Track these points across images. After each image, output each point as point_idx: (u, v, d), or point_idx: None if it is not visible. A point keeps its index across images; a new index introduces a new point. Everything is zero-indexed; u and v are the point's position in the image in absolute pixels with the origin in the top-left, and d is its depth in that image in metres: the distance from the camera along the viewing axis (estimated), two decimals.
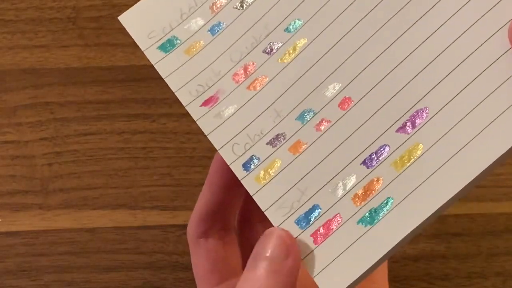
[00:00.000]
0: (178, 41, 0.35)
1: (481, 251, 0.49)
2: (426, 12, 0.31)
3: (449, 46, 0.30)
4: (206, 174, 0.51)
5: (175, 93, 0.35)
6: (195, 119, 0.34)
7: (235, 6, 0.35)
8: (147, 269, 0.49)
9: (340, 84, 0.32)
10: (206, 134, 0.34)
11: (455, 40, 0.30)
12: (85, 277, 0.49)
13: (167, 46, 0.36)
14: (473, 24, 0.30)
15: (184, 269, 0.49)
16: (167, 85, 0.52)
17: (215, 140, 0.33)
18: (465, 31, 0.30)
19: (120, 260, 0.49)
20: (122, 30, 0.53)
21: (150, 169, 0.50)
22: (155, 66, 0.35)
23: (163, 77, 0.35)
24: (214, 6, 0.35)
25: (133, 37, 0.36)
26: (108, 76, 0.52)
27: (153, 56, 0.36)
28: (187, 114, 0.51)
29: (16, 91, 0.52)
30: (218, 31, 0.35)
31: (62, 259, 0.49)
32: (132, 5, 0.53)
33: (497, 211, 0.50)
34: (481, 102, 0.29)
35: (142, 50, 0.36)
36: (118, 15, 0.54)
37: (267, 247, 0.31)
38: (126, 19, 0.37)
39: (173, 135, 0.51)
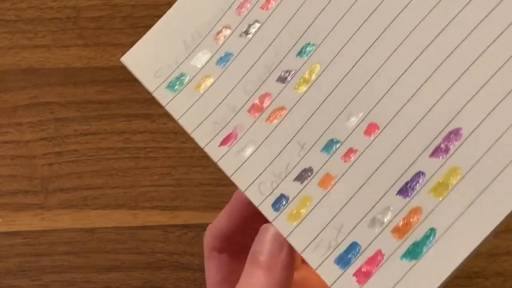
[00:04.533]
0: (187, 78, 0.33)
1: (481, 251, 0.49)
2: (449, 23, 0.29)
3: (478, 56, 0.28)
4: (206, 174, 0.51)
5: (191, 135, 0.33)
6: (215, 161, 0.32)
7: (241, 34, 0.33)
8: (147, 269, 0.49)
9: (363, 110, 0.30)
10: (229, 176, 0.31)
11: (485, 50, 0.28)
12: (85, 277, 0.49)
13: (176, 84, 0.34)
14: (502, 33, 0.28)
15: (184, 269, 0.49)
16: None
17: (239, 181, 0.31)
18: (495, 40, 0.28)
19: (120, 260, 0.49)
20: (122, 30, 0.53)
21: (150, 169, 0.50)
22: (166, 108, 0.33)
23: (175, 119, 0.33)
24: (218, 36, 0.33)
25: (138, 79, 0.34)
26: (108, 76, 0.52)
27: (163, 97, 0.33)
28: None
29: (16, 91, 0.52)
30: (226, 62, 0.33)
31: (62, 259, 0.49)
32: (132, 4, 0.53)
33: None
34: None
35: (151, 92, 0.34)
36: (118, 15, 0.54)
37: (263, 244, 0.30)
38: (129, 59, 0.35)
39: (173, 135, 0.51)
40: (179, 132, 0.51)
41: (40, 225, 0.49)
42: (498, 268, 0.49)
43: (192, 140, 0.51)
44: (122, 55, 0.53)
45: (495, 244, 0.49)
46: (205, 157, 0.51)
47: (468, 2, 0.29)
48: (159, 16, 0.53)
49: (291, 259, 0.30)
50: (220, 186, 0.50)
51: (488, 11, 0.28)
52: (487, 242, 0.27)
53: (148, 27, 0.53)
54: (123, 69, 0.52)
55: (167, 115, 0.52)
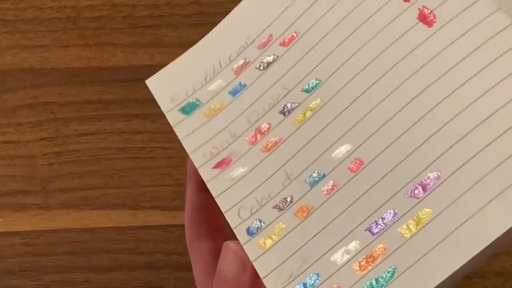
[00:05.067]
0: (200, 103, 0.35)
1: None
2: (442, 76, 0.30)
3: (464, 109, 0.29)
4: None
5: (189, 155, 0.34)
6: (205, 181, 0.33)
7: (257, 67, 0.34)
8: (147, 269, 0.49)
9: (352, 145, 0.31)
10: (214, 197, 0.33)
11: (472, 103, 0.29)
12: (85, 277, 0.49)
13: (188, 108, 0.35)
14: (492, 87, 0.29)
15: (184, 269, 0.49)
16: None
17: (222, 203, 0.32)
18: (483, 94, 0.29)
19: (120, 260, 0.49)
20: (122, 30, 0.53)
21: (150, 169, 0.50)
22: (173, 129, 0.35)
23: (180, 139, 0.35)
24: (238, 68, 0.35)
25: (156, 99, 0.36)
26: (108, 76, 0.52)
27: (173, 118, 0.35)
28: None
29: (16, 91, 0.52)
30: (238, 93, 0.34)
31: (62, 259, 0.49)
32: (132, 4, 0.53)
33: None
34: (494, 168, 0.28)
35: (164, 112, 0.36)
36: (118, 15, 0.54)
37: (227, 264, 0.32)
38: (153, 82, 0.37)
39: (173, 135, 0.51)
40: None
41: (40, 225, 0.49)
42: (498, 268, 0.49)
43: None
44: (122, 55, 0.53)
45: None
46: None
47: (461, 60, 0.30)
48: (159, 16, 0.53)
49: (255, 277, 0.31)
50: None
51: (480, 68, 0.29)
52: (451, 283, 0.28)
53: (148, 27, 0.53)
54: (123, 69, 0.53)
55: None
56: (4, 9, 0.53)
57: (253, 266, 0.31)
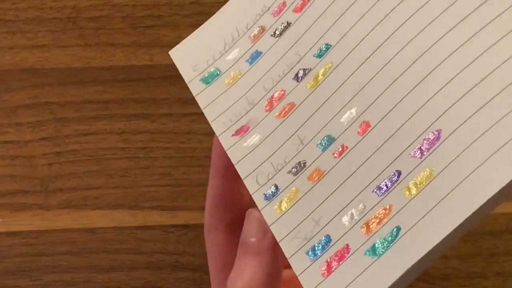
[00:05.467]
0: (219, 72, 0.36)
1: (481, 251, 0.49)
2: (449, 31, 0.30)
3: (467, 66, 0.29)
4: (207, 174, 0.51)
5: (210, 124, 0.35)
6: (225, 149, 0.34)
7: (272, 34, 0.35)
8: (147, 269, 0.49)
9: (359, 109, 0.31)
10: (234, 164, 0.33)
11: (474, 60, 0.29)
12: (85, 277, 0.49)
13: (209, 78, 0.36)
14: (495, 43, 0.29)
15: (184, 269, 0.49)
16: (167, 85, 0.52)
17: (241, 170, 0.33)
18: (485, 51, 0.29)
19: (120, 260, 0.49)
20: (122, 30, 0.53)
21: (150, 169, 0.50)
22: (195, 98, 0.36)
23: (201, 108, 0.35)
24: (254, 36, 0.36)
25: (179, 70, 0.37)
26: (108, 76, 0.52)
27: (195, 87, 0.36)
28: (187, 114, 0.52)
29: (16, 91, 0.52)
30: (255, 60, 0.35)
31: (62, 259, 0.49)
32: (132, 4, 0.53)
33: (497, 211, 0.49)
34: (495, 124, 0.28)
35: (186, 82, 0.36)
36: (118, 15, 0.54)
37: (249, 230, 0.33)
38: (176, 53, 0.37)
39: (173, 135, 0.51)
40: (179, 132, 0.51)
41: (40, 225, 0.49)
42: (498, 268, 0.49)
43: (192, 140, 0.51)
44: (122, 55, 0.53)
45: (495, 244, 0.49)
46: (205, 157, 0.51)
47: (461, 20, 0.30)
48: (159, 16, 0.53)
49: (276, 243, 0.31)
50: None
51: (480, 27, 0.30)
52: (451, 244, 0.28)
53: (148, 27, 0.53)
54: (123, 69, 0.53)
55: (167, 115, 0.52)
56: (4, 9, 0.53)
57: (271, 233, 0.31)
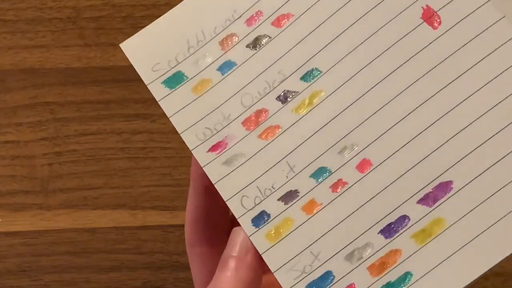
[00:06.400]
0: (185, 78, 0.33)
1: None
2: (458, 77, 0.30)
3: (480, 117, 0.29)
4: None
5: (181, 135, 0.33)
6: (201, 165, 0.32)
7: (248, 45, 0.33)
8: (147, 269, 0.49)
9: (360, 145, 0.30)
10: (213, 182, 0.32)
11: (487, 111, 0.29)
12: (85, 277, 0.49)
13: (173, 81, 0.33)
14: (506, 97, 0.29)
15: (184, 269, 0.49)
16: None
17: (223, 189, 0.32)
18: (498, 103, 0.29)
19: (120, 260, 0.49)
20: (122, 30, 0.53)
21: (150, 169, 0.50)
22: (159, 103, 0.34)
23: (168, 115, 0.33)
24: (225, 42, 0.33)
25: (135, 68, 0.34)
26: (108, 76, 0.52)
27: (158, 91, 0.34)
28: None
29: (16, 91, 0.52)
30: (228, 70, 0.33)
31: (62, 259, 0.49)
32: (132, 4, 0.53)
33: None
34: (510, 182, 0.28)
35: (146, 84, 0.34)
36: (118, 15, 0.54)
37: (232, 248, 0.32)
38: (129, 47, 0.34)
39: (173, 135, 0.51)
40: None
41: (40, 225, 0.49)
42: (498, 268, 0.49)
43: None
44: (122, 55, 0.53)
45: None
46: None
47: (472, 67, 0.30)
48: (159, 16, 0.53)
49: (257, 262, 0.31)
50: None
51: (492, 77, 0.29)
52: None
53: None
54: (123, 69, 0.53)
55: (167, 115, 0.52)
56: (4, 9, 0.53)
57: (256, 252, 0.31)
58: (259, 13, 0.33)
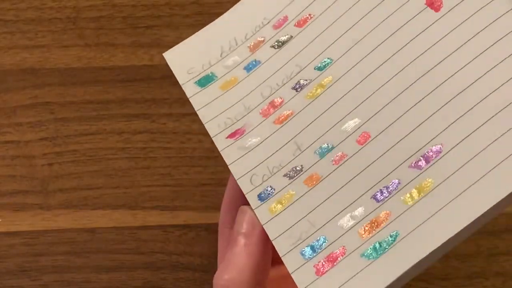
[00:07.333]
0: (215, 77, 0.37)
1: (481, 251, 0.49)
2: (451, 54, 0.32)
3: (469, 86, 0.31)
4: (206, 174, 0.51)
5: (205, 125, 0.36)
6: (219, 150, 0.35)
7: (272, 45, 0.36)
8: (147, 269, 0.49)
9: (360, 120, 0.33)
10: (228, 164, 0.34)
11: (476, 80, 0.31)
12: (85, 277, 0.49)
13: (204, 81, 0.37)
14: (495, 66, 0.31)
15: (184, 269, 0.49)
16: (167, 85, 0.52)
17: (235, 170, 0.34)
18: (486, 72, 0.31)
19: (120, 260, 0.49)
20: (122, 30, 0.53)
21: (150, 169, 0.50)
22: (190, 99, 0.37)
23: (195, 109, 0.36)
24: (253, 46, 0.37)
25: (173, 71, 0.38)
26: (108, 76, 0.52)
27: (189, 89, 0.37)
28: (187, 114, 0.52)
29: (16, 91, 0.52)
30: (253, 68, 0.36)
31: (62, 259, 0.49)
32: (132, 4, 0.53)
33: None
34: (493, 142, 0.30)
35: (180, 84, 0.37)
36: (118, 15, 0.54)
37: (240, 225, 0.34)
38: (171, 55, 0.38)
39: (173, 135, 0.51)
40: (179, 132, 0.51)
41: (40, 225, 0.49)
42: (498, 268, 0.49)
43: (192, 140, 0.51)
44: (122, 55, 0.53)
45: (495, 244, 0.49)
46: (205, 157, 0.51)
47: (465, 43, 0.32)
48: (159, 16, 0.53)
49: (265, 237, 0.33)
50: (220, 186, 0.50)
51: (483, 49, 0.31)
52: (447, 250, 0.30)
53: (148, 27, 0.53)
54: (123, 69, 0.53)
55: (167, 115, 0.52)
56: (4, 9, 0.53)
57: (263, 229, 0.33)
58: (285, 17, 0.37)
